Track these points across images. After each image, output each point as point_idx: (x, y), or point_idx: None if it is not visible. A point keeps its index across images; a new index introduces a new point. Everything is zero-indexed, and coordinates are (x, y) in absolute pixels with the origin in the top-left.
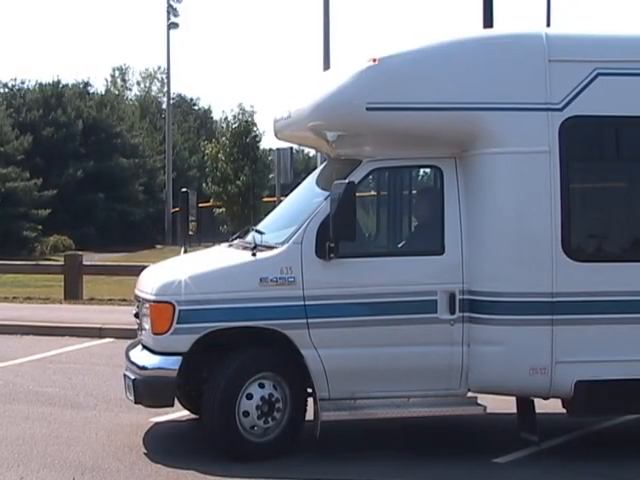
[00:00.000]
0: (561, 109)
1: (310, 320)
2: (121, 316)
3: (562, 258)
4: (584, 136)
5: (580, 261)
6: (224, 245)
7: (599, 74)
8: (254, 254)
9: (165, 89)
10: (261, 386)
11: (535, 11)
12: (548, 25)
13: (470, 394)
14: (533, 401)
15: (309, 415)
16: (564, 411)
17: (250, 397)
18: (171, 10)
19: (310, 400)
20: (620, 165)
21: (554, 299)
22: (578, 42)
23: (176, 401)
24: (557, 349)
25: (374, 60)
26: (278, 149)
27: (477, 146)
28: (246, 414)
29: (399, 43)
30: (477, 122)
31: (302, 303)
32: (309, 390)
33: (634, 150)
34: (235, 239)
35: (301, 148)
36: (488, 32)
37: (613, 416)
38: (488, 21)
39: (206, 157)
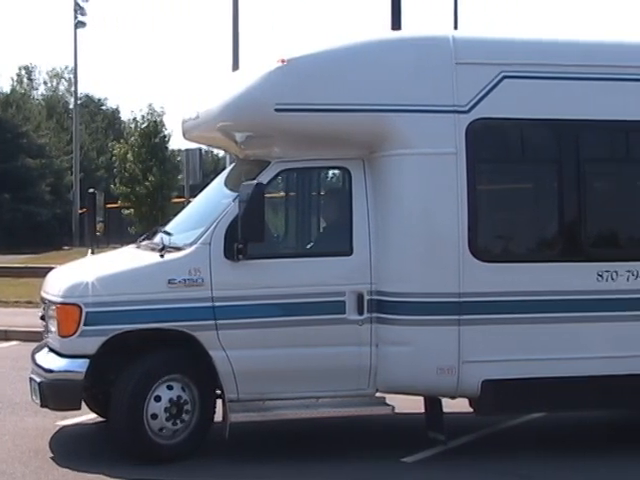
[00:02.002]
0: (468, 111)
1: (218, 321)
2: (27, 318)
3: (469, 259)
4: (490, 138)
5: (486, 261)
6: (132, 246)
7: (505, 77)
8: (162, 255)
9: (72, 89)
10: (169, 388)
11: (443, 14)
12: (455, 28)
13: (378, 394)
14: (440, 400)
15: (218, 417)
16: (471, 410)
17: (158, 399)
18: (78, 9)
19: (219, 402)
20: (525, 167)
21: (461, 299)
22: (485, 45)
23: (83, 404)
24: (464, 349)
25: (283, 61)
26: (187, 150)
27: (385, 147)
28: (154, 416)
29: (308, 44)
30: (384, 124)
31: (210, 304)
32: (218, 392)
33: (539, 152)
34: (143, 240)
35: (210, 149)
36: (396, 34)
37: (519, 414)
38: (396, 23)
39: (114, 157)
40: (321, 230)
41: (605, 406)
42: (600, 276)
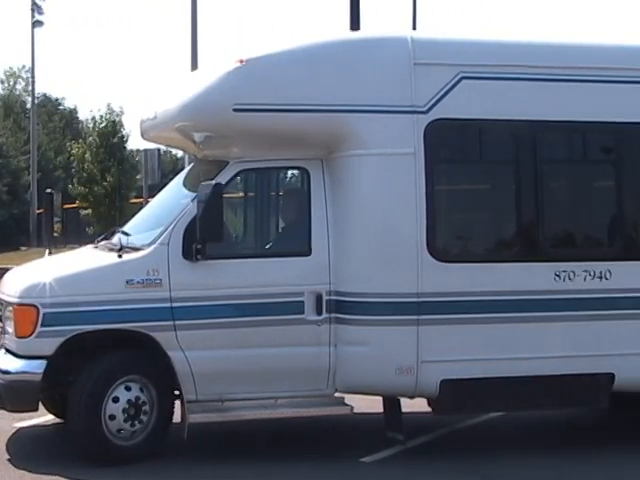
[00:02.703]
0: (426, 112)
1: (177, 322)
2: None
3: (427, 259)
4: (448, 139)
5: (445, 262)
6: (90, 247)
7: (463, 77)
8: (120, 256)
9: (30, 88)
10: (128, 389)
11: (401, 15)
12: (414, 29)
13: (337, 394)
14: (399, 400)
15: (177, 417)
16: (430, 410)
17: (116, 400)
18: (35, 8)
19: (178, 402)
20: (483, 167)
21: (419, 299)
22: (443, 46)
23: (41, 405)
24: (422, 349)
25: (241, 61)
26: (145, 150)
27: (343, 148)
28: (112, 417)
29: (267, 45)
30: (343, 124)
31: (169, 305)
32: (176, 392)
33: (497, 153)
34: (101, 241)
35: (169, 149)
36: (354, 35)
37: (477, 414)
38: (355, 24)
39: (72, 157)
40: (280, 230)
41: (563, 405)
42: (557, 276)
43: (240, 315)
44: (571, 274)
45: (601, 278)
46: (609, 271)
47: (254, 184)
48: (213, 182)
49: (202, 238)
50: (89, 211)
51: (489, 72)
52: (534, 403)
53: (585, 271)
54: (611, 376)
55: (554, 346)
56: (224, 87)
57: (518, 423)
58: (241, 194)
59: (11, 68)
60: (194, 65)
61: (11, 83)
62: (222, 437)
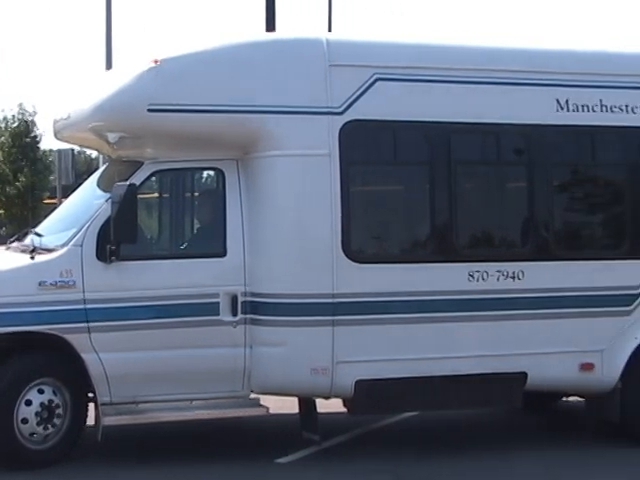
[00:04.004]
0: (341, 113)
1: (91, 324)
2: None
3: (342, 260)
4: (363, 140)
5: (360, 263)
6: (2, 248)
7: (378, 79)
8: (33, 257)
9: None
10: (40, 392)
11: (317, 17)
12: (329, 30)
13: (253, 395)
14: (315, 401)
15: (91, 420)
16: (345, 410)
17: (29, 403)
18: None
19: (92, 405)
20: (398, 169)
21: (334, 300)
22: (358, 47)
23: None
24: (338, 349)
25: (156, 61)
26: (59, 150)
27: (258, 149)
28: (25, 421)
29: (182, 45)
30: (257, 125)
31: (83, 307)
32: (91, 395)
33: (411, 154)
34: (13, 242)
35: (83, 149)
36: (269, 35)
37: (392, 414)
38: (270, 25)
39: None
40: (195, 231)
41: (477, 405)
42: (471, 276)
43: (155, 317)
44: (484, 274)
45: (514, 278)
46: (522, 271)
47: (169, 185)
48: (127, 183)
49: (116, 239)
50: (1, 212)
51: (404, 74)
52: (449, 403)
53: (498, 271)
54: (524, 375)
55: (468, 346)
56: (138, 87)
57: (433, 423)
58: (156, 195)
59: None
60: (108, 65)
61: None
62: (137, 439)
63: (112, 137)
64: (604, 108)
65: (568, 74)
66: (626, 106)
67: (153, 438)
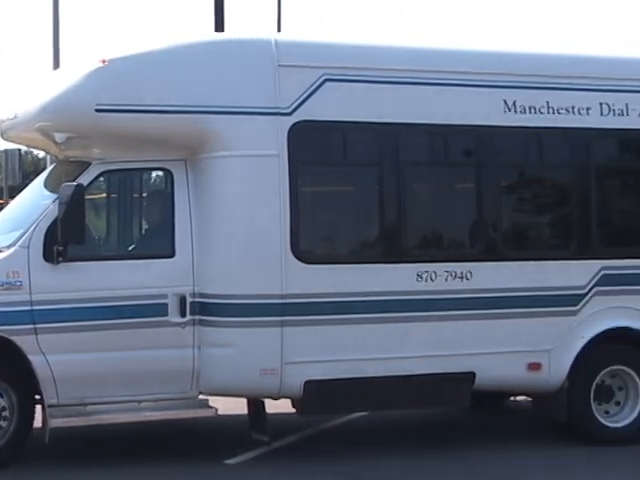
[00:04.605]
0: (290, 113)
1: (38, 325)
2: None
3: (291, 260)
4: (312, 140)
5: (309, 263)
6: None
7: (327, 80)
8: None
9: None
10: None
11: (266, 17)
12: (279, 31)
13: (202, 396)
14: (264, 402)
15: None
16: (294, 410)
17: None
18: None
19: (39, 407)
20: (347, 169)
21: (284, 301)
22: (307, 48)
23: None
24: (287, 350)
25: (104, 61)
26: (5, 150)
27: (206, 149)
28: None
29: (130, 45)
30: (206, 126)
31: (29, 308)
32: (38, 397)
33: (360, 155)
34: None
35: (30, 149)
36: (218, 36)
37: (341, 414)
38: (219, 25)
39: None
40: (143, 232)
41: (426, 405)
42: (420, 277)
43: (103, 318)
44: (433, 275)
45: (462, 279)
46: (470, 272)
47: (117, 185)
48: (75, 183)
49: (63, 240)
50: None
51: (352, 74)
52: (398, 403)
53: (447, 272)
54: (472, 375)
55: (417, 346)
56: (86, 87)
57: (382, 423)
58: (104, 195)
59: None
60: (56, 64)
61: None
62: (85, 441)
63: (59, 137)
64: (551, 110)
65: (516, 76)
66: (572, 108)
67: (101, 440)
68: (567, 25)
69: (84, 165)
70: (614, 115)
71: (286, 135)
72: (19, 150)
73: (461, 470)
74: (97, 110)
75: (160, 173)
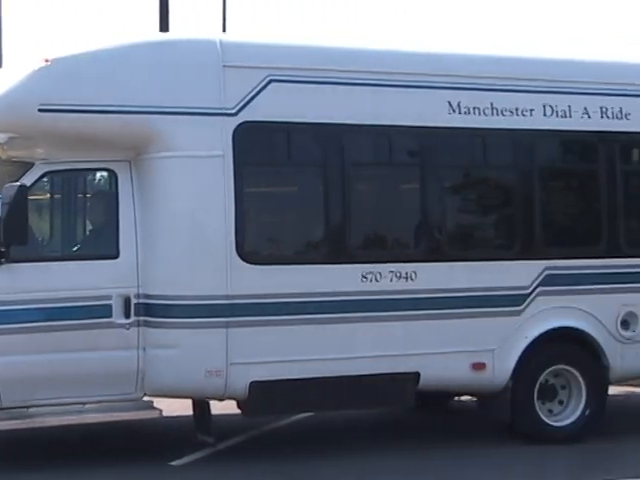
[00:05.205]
0: (235, 114)
1: None
2: None
3: (237, 261)
4: (257, 141)
5: (254, 264)
6: None
7: (272, 80)
8: None
9: None
10: None
11: (212, 18)
12: (224, 31)
13: (146, 398)
14: (209, 403)
15: None
16: (240, 411)
17: None
18: None
19: None
20: (292, 170)
21: (229, 302)
22: (252, 49)
23: None
24: (232, 351)
25: (47, 61)
26: None
27: (151, 150)
28: None
29: (73, 44)
30: (149, 126)
31: None
32: None
33: (305, 155)
34: None
35: None
36: (162, 36)
37: (287, 415)
38: (164, 25)
39: None
40: (87, 233)
41: (371, 405)
42: (365, 277)
43: (46, 319)
44: (378, 275)
45: (407, 279)
46: (415, 272)
47: (61, 186)
48: (18, 184)
49: (6, 241)
50: None
51: (297, 75)
52: (343, 403)
53: (391, 272)
54: (417, 375)
55: (362, 346)
56: (29, 87)
57: (328, 424)
58: (47, 196)
59: None
60: None
61: None
62: (28, 444)
63: (1, 137)
64: (495, 111)
65: (460, 77)
66: (516, 109)
67: (45, 442)
68: (571, 23)
69: (27, 165)
70: (557, 116)
71: (231, 136)
72: None
73: (406, 470)
74: (40, 110)
75: (104, 174)
